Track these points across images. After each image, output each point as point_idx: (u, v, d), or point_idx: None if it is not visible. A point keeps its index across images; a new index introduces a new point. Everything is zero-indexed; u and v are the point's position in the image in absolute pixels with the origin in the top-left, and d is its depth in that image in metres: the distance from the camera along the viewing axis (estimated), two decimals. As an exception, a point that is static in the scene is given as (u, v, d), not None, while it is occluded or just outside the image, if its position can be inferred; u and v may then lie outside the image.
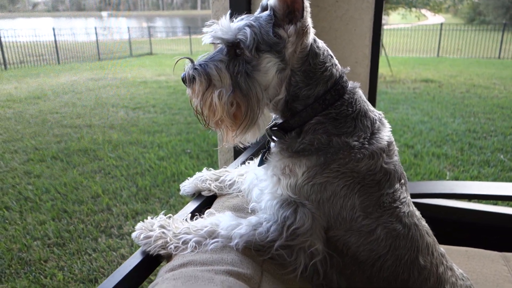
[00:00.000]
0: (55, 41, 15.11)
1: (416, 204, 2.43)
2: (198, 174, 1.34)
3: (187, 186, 1.32)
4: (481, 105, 7.90)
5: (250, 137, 1.04)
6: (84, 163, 4.98)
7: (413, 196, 2.28)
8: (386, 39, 16.78)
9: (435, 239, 1.16)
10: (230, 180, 1.29)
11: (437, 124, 6.61)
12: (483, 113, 7.29)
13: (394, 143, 1.09)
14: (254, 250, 0.96)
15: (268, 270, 0.95)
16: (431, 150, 5.39)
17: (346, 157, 0.98)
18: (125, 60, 15.59)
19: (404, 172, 1.12)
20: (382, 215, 1.00)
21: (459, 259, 1.94)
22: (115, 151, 5.38)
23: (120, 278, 0.91)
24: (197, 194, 1.31)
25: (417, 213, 1.12)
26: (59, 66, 14.04)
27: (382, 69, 11.72)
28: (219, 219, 1.02)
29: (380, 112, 1.12)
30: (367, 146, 1.00)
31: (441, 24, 17.66)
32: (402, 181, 1.08)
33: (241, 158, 1.56)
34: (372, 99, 2.54)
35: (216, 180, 1.30)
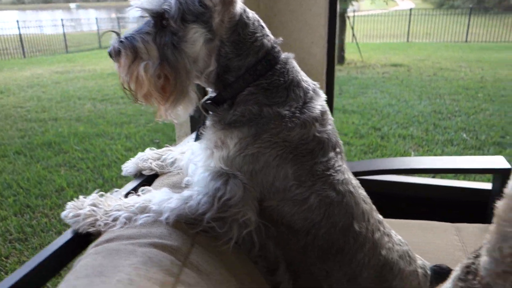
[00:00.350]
0: (20, 34, 14.60)
1: (372, 180, 2.47)
2: (140, 154, 1.31)
3: (129, 166, 1.29)
4: (447, 87, 8.08)
5: (182, 112, 1.03)
6: (48, 157, 4.85)
7: (370, 173, 2.32)
8: (357, 25, 16.89)
9: (373, 207, 1.18)
10: (171, 158, 1.27)
11: (404, 106, 6.74)
12: (448, 94, 7.47)
13: (328, 112, 1.09)
14: (187, 223, 0.95)
15: (200, 242, 0.94)
16: (397, 132, 5.49)
17: (277, 126, 0.98)
18: (93, 52, 15.18)
19: (341, 141, 1.13)
20: (315, 183, 1.01)
21: (414, 231, 1.99)
22: (81, 144, 5.26)
23: (47, 255, 0.89)
24: (139, 174, 1.28)
25: (354, 181, 1.13)
26: (24, 59, 13.58)
27: (353, 55, 11.84)
28: (153, 195, 1.00)
29: (315, 83, 1.12)
30: (298, 115, 1.00)
31: (410, 9, 17.91)
32: (338, 149, 1.08)
33: (188, 137, 1.55)
34: (329, 79, 2.55)
35: (158, 159, 1.28)
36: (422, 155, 4.79)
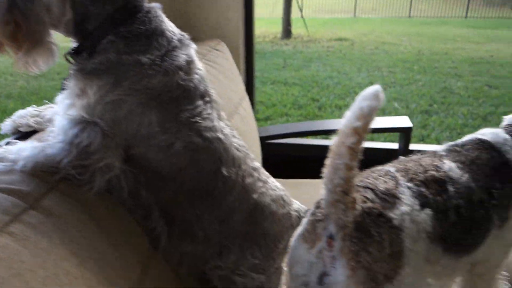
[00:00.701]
0: None
1: (290, 144, 2.54)
2: (19, 111, 1.29)
3: (6, 124, 1.27)
4: (386, 60, 8.37)
5: (42, 62, 1.01)
6: (-28, 135, 4.59)
7: (279, 136, 2.41)
8: (307, 0, 16.96)
9: (250, 155, 1.23)
10: (50, 115, 1.25)
11: (344, 78, 6.93)
12: (387, 67, 7.74)
13: (196, 62, 1.12)
14: (46, 171, 0.95)
15: (61, 190, 0.94)
16: (334, 102, 5.66)
17: (137, 74, 0.99)
18: (30, 27, 14.24)
19: (212, 91, 1.16)
20: (180, 129, 1.04)
21: (315, 189, 2.09)
22: (10, 121, 5.00)
23: None
24: (17, 131, 1.26)
25: (227, 130, 1.17)
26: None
27: (300, 30, 11.92)
28: (15, 146, 0.99)
29: (184, 34, 1.13)
30: (159, 63, 1.01)
31: (358, -15, 18.14)
32: (207, 98, 1.12)
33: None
34: (248, 46, 2.55)
35: (37, 115, 1.26)
36: (355, 123, 4.97)
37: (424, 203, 0.99)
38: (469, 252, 1.09)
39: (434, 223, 0.99)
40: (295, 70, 7.51)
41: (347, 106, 5.47)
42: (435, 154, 1.16)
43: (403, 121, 2.25)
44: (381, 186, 0.99)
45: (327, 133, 2.59)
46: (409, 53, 9.00)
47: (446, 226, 1.01)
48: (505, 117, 1.27)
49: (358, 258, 0.89)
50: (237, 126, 1.77)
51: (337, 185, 0.88)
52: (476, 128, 4.81)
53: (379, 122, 2.49)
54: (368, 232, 0.90)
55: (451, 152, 1.15)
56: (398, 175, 1.04)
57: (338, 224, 0.91)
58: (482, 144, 1.16)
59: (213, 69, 1.82)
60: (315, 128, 2.48)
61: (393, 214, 0.94)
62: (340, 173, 0.87)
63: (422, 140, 4.51)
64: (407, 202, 0.97)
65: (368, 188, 0.98)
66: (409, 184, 1.01)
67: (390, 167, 1.09)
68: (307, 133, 2.45)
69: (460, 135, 4.92)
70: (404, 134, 2.23)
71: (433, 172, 1.05)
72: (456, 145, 1.17)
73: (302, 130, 2.47)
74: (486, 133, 1.21)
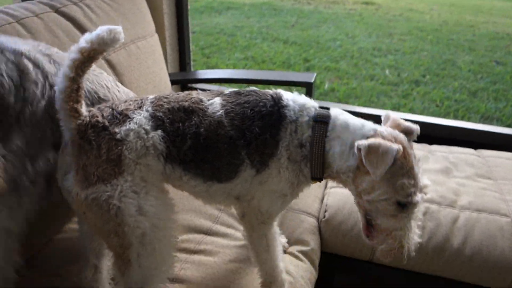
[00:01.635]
0: None
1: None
2: None
3: None
4: (404, 27, 8.01)
5: None
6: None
7: (203, 81, 2.53)
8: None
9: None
10: None
11: (348, 42, 6.76)
12: (400, 34, 7.44)
13: None
14: None
15: None
16: (325, 64, 5.61)
17: None
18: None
19: None
20: None
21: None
22: None
23: None
24: None
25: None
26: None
27: (329, -10, 11.53)
28: None
29: None
30: None
31: None
32: None
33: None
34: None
35: None
36: (336, 87, 4.96)
37: (158, 125, 1.11)
38: (218, 180, 1.19)
39: (169, 144, 1.12)
40: (303, 30, 7.40)
41: (338, 69, 5.43)
42: (219, 92, 1.24)
43: (306, 77, 2.29)
44: (121, 107, 1.12)
45: (258, 82, 2.67)
46: (431, 23, 8.56)
47: (183, 149, 1.13)
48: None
49: (79, 161, 1.06)
50: (119, 61, 1.91)
51: (60, 91, 1.04)
52: (458, 102, 4.67)
53: (284, 75, 2.56)
54: (89, 141, 1.06)
55: (234, 93, 1.22)
56: (148, 101, 1.16)
57: (68, 130, 1.08)
58: (267, 95, 1.20)
59: (107, 5, 1.94)
60: (245, 76, 2.52)
61: (118, 129, 1.08)
62: (63, 81, 1.03)
63: (397, 109, 4.44)
64: (137, 122, 1.10)
65: (111, 108, 1.12)
66: (149, 109, 1.13)
67: (154, 95, 1.20)
68: (234, 80, 2.51)
69: (438, 107, 4.79)
70: (306, 89, 2.28)
71: (186, 103, 1.16)
72: (244, 90, 1.23)
73: (231, 77, 2.54)
74: (288, 92, 1.24)
